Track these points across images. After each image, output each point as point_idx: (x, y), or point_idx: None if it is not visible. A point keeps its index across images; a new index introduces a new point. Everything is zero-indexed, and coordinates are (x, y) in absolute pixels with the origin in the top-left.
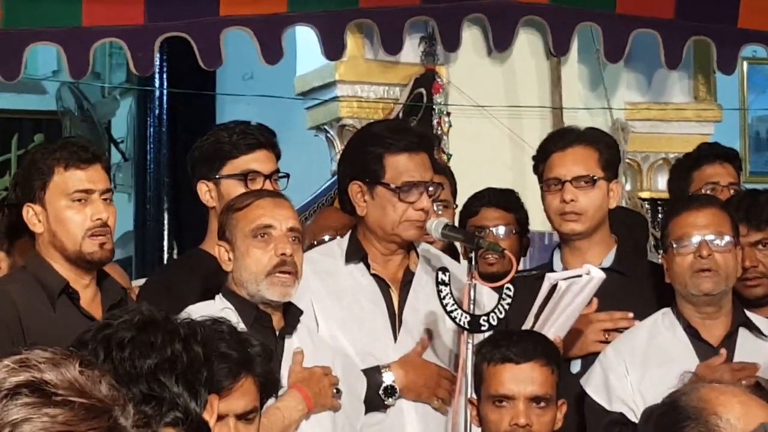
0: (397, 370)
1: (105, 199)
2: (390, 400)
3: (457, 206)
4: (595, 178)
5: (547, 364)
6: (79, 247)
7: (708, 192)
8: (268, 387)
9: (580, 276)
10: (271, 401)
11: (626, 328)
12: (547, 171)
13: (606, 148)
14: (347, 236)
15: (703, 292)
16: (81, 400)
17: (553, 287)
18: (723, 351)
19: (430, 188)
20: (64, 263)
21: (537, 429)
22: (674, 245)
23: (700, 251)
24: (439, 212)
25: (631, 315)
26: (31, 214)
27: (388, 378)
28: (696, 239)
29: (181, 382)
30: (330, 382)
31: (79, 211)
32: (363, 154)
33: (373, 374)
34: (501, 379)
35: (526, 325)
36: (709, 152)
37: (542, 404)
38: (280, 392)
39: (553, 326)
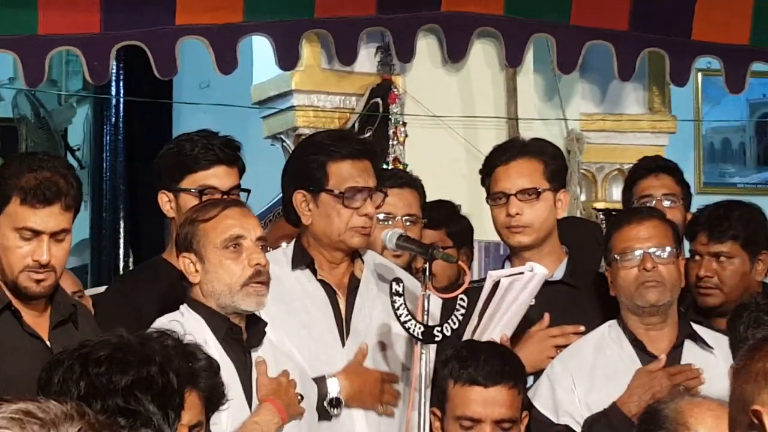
0: (342, 380)
1: (59, 240)
2: (335, 410)
3: (426, 220)
4: (539, 190)
5: (514, 386)
6: (16, 279)
7: (644, 205)
8: (214, 401)
9: (522, 273)
10: (240, 415)
11: None
12: (492, 185)
13: (551, 158)
14: (292, 243)
15: (649, 303)
16: None
17: (496, 285)
18: (662, 356)
19: (374, 195)
20: (4, 285)
21: None
22: (618, 258)
23: (644, 264)
24: (407, 224)
25: (582, 328)
26: None
27: (333, 389)
28: (639, 252)
29: (156, 403)
30: (294, 389)
31: (21, 246)
32: (306, 162)
33: (318, 384)
34: (468, 402)
35: (471, 324)
36: (642, 166)
37: (507, 425)
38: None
39: (498, 324)
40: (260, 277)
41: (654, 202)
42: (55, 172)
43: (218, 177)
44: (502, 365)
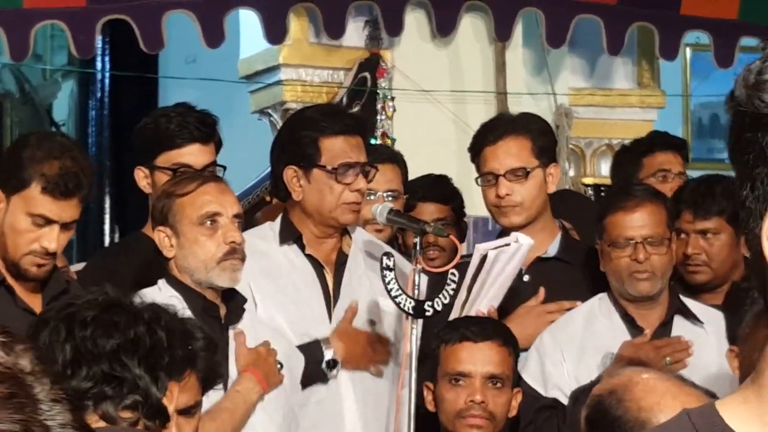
0: (336, 342)
1: (68, 229)
2: (333, 372)
3: (407, 195)
4: (528, 169)
5: (504, 345)
6: (18, 260)
7: (659, 179)
8: (210, 381)
9: (508, 245)
10: (218, 393)
11: None
12: (481, 165)
13: (538, 134)
14: (278, 218)
15: (640, 294)
16: None
17: (483, 258)
18: (647, 331)
19: (366, 170)
20: (2, 261)
21: (492, 408)
22: (610, 244)
23: (636, 254)
24: (389, 199)
25: (579, 304)
26: None
27: (329, 352)
28: (632, 241)
29: (143, 365)
30: (273, 358)
31: (32, 231)
32: (297, 138)
33: (313, 349)
34: (458, 357)
35: (459, 298)
36: (663, 140)
37: (498, 384)
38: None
39: (486, 297)
40: (235, 255)
41: (672, 178)
42: (75, 162)
43: (193, 155)
44: (493, 325)
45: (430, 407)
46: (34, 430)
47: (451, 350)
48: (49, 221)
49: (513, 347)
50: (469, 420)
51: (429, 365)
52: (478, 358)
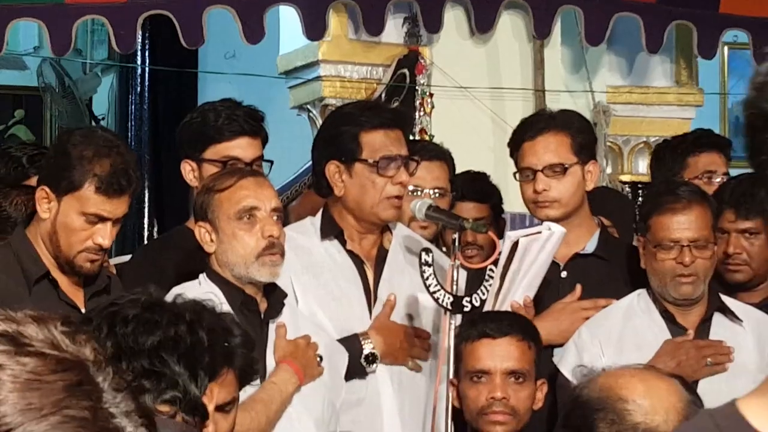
0: (375, 336)
1: (117, 223)
2: (371, 366)
3: (454, 193)
4: (566, 165)
5: (523, 339)
6: (72, 258)
7: (704, 180)
8: (247, 377)
9: (540, 233)
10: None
11: None
12: (519, 160)
13: (578, 131)
14: (319, 214)
15: (683, 297)
16: (54, 352)
17: (515, 245)
18: (690, 331)
19: (407, 163)
20: (51, 255)
21: (514, 403)
22: (654, 244)
23: (681, 258)
24: (436, 196)
25: (614, 302)
26: (43, 198)
27: (368, 346)
28: (678, 244)
29: (183, 362)
30: (313, 351)
31: (85, 229)
32: (338, 134)
33: (351, 343)
34: (478, 355)
35: (493, 287)
36: (709, 140)
37: (520, 379)
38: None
39: (520, 286)
40: (273, 249)
41: (715, 178)
42: (123, 158)
43: (242, 148)
44: (511, 320)
45: (456, 403)
46: (101, 416)
47: (470, 347)
48: (102, 219)
49: (533, 340)
50: (492, 417)
51: (454, 364)
52: (497, 354)
